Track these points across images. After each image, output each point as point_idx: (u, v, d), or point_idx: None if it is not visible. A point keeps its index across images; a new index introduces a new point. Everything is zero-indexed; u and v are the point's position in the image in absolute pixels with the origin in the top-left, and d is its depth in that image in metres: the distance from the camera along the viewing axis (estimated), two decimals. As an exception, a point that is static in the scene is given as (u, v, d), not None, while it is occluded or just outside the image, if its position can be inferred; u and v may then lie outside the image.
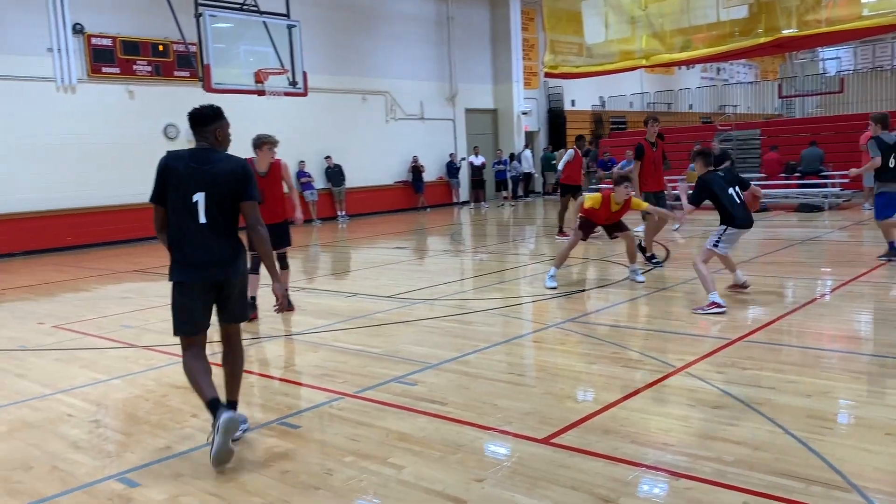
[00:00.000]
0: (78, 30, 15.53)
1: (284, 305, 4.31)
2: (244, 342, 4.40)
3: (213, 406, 3.86)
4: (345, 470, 3.70)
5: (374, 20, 21.42)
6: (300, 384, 5.36)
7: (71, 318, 8.13)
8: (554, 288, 8.32)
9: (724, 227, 7.20)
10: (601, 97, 28.77)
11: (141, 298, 9.08)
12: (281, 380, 5.54)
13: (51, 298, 9.74)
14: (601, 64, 18.71)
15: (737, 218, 7.11)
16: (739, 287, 7.61)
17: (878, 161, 8.91)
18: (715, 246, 7.25)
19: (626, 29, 18.05)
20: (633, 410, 4.36)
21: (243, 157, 7.28)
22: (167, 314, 4.50)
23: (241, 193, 3.99)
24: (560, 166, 13.91)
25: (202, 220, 3.91)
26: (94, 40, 15.76)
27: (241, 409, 4.44)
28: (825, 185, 16.89)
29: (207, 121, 4.05)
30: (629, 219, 8.88)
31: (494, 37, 25.24)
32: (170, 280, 4.02)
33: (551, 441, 3.91)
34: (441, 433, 4.11)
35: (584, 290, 8.47)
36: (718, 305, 6.84)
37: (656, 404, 4.47)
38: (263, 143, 7.46)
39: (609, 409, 4.38)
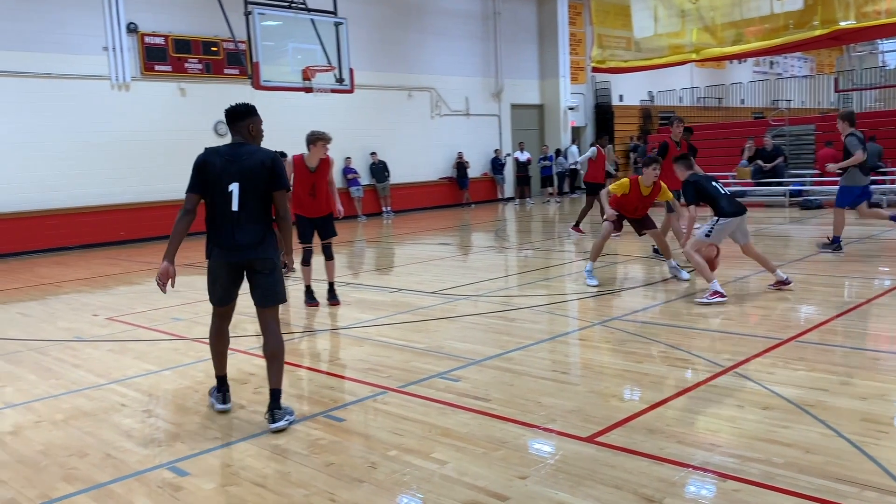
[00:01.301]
0: (132, 29, 15.91)
1: (290, 270, 4.85)
2: (294, 336, 4.48)
3: (222, 382, 4.70)
4: (388, 464, 3.72)
5: (420, 16, 21.47)
6: (345, 378, 5.41)
7: (124, 311, 8.35)
8: (596, 285, 8.25)
9: (717, 218, 7.44)
10: (650, 92, 28.34)
11: (191, 292, 9.27)
12: (326, 373, 5.60)
13: (105, 291, 10.02)
14: (650, 58, 18.42)
15: (725, 208, 7.40)
16: (782, 284, 7.52)
17: (861, 155, 9.31)
18: (707, 235, 7.45)
19: (676, 22, 17.73)
20: (679, 410, 4.29)
21: (296, 152, 7.45)
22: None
23: (273, 183, 4.36)
24: (579, 165, 13.89)
25: (235, 207, 4.30)
26: (147, 39, 16.13)
27: (288, 400, 4.52)
28: (884, 182, 16.37)
29: (242, 116, 4.44)
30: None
31: (541, 31, 25.07)
32: (206, 258, 4.50)
33: (595, 440, 3.88)
34: (484, 429, 4.11)
35: (630, 288, 8.37)
36: (720, 294, 7.12)
37: (704, 404, 4.40)
38: (317, 139, 7.73)
39: (655, 408, 4.32)
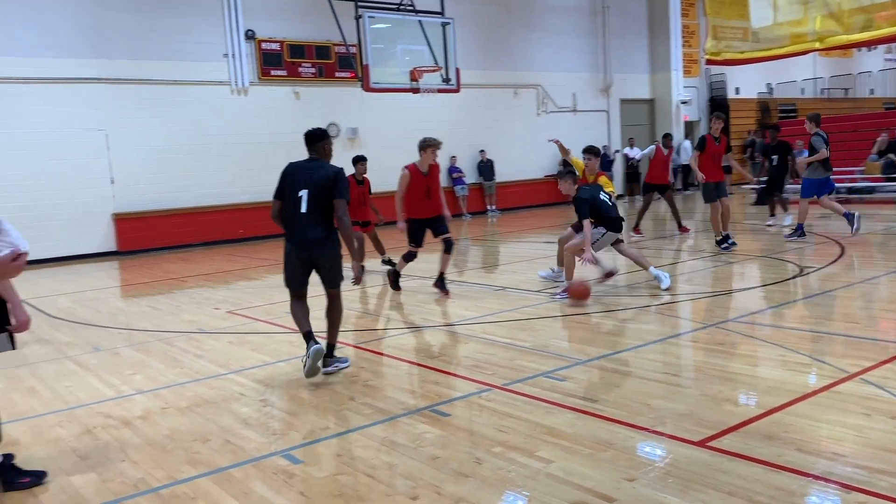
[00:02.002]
0: (250, 36, 16.66)
1: (359, 280, 5.87)
2: (399, 331, 4.57)
3: (308, 336, 5.33)
4: (493, 460, 3.73)
5: (526, 13, 21.37)
6: (450, 374, 5.46)
7: (242, 305, 8.76)
8: (545, 279, 8.62)
9: (604, 230, 7.78)
10: (769, 84, 27.06)
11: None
12: (431, 368, 5.67)
13: (225, 286, 10.53)
14: (769, 49, 17.62)
15: (613, 220, 7.76)
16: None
17: (825, 152, 10.42)
18: (593, 243, 7.67)
19: (798, 10, 16.87)
20: (799, 417, 4.08)
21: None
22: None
23: (334, 192, 5.27)
24: (638, 159, 13.53)
25: (304, 209, 5.26)
26: (264, 45, 16.85)
27: (394, 393, 4.63)
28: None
29: (319, 139, 5.52)
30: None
31: (652, 24, 24.40)
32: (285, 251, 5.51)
33: (707, 444, 3.75)
34: (591, 430, 4.05)
35: (746, 289, 8.03)
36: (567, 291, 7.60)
37: (826, 411, 4.16)
38: (428, 146, 8.09)
39: (772, 413, 4.13)
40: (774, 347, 5.53)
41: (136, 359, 6.44)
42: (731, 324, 6.38)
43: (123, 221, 15.47)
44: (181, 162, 15.98)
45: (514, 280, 9.36)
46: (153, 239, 15.68)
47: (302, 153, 5.56)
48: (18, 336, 3.89)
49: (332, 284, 5.49)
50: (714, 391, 4.63)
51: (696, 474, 3.41)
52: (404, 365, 5.78)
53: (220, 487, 3.63)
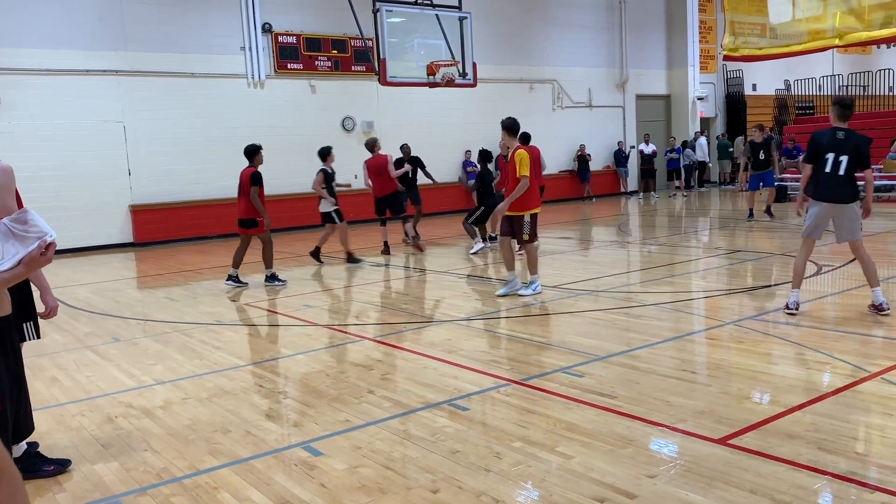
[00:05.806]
0: (267, 29, 16.69)
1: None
2: (421, 325, 4.52)
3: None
4: (513, 454, 3.74)
5: (542, 8, 21.27)
6: (468, 368, 5.46)
7: (259, 297, 8.81)
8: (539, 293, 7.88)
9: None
10: (786, 80, 26.81)
11: (319, 281, 9.65)
12: (449, 363, 5.67)
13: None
14: (787, 45, 17.49)
15: None
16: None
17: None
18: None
19: (817, 6, 16.72)
20: (819, 415, 4.06)
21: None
22: (345, 296, 4.83)
23: None
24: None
25: None
26: (280, 39, 16.88)
27: (412, 386, 4.61)
28: None
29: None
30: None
31: (669, 20, 24.25)
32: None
33: (728, 442, 3.74)
34: (610, 426, 4.05)
35: (764, 286, 7.99)
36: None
37: (847, 410, 4.14)
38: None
39: (792, 412, 4.12)
40: (794, 346, 5.51)
41: (154, 349, 6.49)
42: (750, 321, 6.35)
43: (140, 213, 15.55)
44: (198, 154, 16.05)
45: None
46: (169, 230, 15.76)
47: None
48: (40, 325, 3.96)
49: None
50: (733, 389, 4.62)
51: (717, 472, 3.41)
52: (422, 359, 5.79)
53: (241, 478, 3.66)
